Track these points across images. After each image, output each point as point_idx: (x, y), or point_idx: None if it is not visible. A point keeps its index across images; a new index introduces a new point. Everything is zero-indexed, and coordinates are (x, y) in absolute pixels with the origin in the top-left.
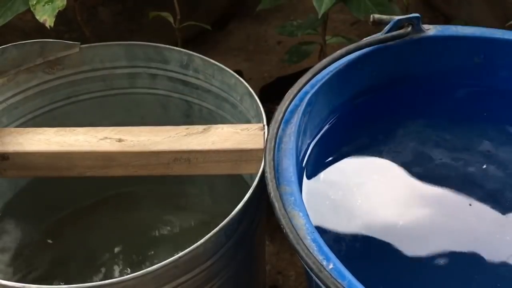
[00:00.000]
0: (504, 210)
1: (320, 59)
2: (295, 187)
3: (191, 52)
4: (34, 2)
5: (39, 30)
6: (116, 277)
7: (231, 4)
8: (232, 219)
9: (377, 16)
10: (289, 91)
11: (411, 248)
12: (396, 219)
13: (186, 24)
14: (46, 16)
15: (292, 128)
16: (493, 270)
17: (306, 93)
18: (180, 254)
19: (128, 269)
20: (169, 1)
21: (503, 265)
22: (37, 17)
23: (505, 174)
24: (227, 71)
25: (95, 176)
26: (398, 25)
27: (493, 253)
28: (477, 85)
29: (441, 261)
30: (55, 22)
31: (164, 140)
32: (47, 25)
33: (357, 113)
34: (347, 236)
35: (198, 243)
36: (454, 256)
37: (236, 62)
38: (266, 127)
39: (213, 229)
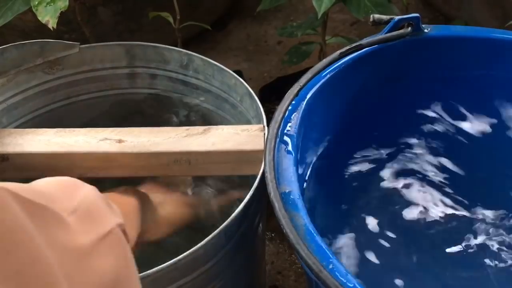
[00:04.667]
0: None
1: (320, 59)
2: (295, 187)
3: (190, 53)
4: (36, 3)
5: (39, 30)
6: None
7: (231, 4)
8: (232, 220)
9: (377, 16)
10: (289, 91)
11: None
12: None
13: (186, 24)
14: (48, 17)
15: (292, 128)
16: None
17: (306, 93)
18: (180, 256)
19: None
20: (169, 1)
21: None
22: (39, 18)
23: (502, 177)
24: (227, 71)
25: (95, 177)
26: (398, 25)
27: None
28: (477, 85)
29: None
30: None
31: (164, 141)
32: (50, 26)
33: (356, 113)
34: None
35: (199, 245)
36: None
37: (236, 62)
38: (266, 128)
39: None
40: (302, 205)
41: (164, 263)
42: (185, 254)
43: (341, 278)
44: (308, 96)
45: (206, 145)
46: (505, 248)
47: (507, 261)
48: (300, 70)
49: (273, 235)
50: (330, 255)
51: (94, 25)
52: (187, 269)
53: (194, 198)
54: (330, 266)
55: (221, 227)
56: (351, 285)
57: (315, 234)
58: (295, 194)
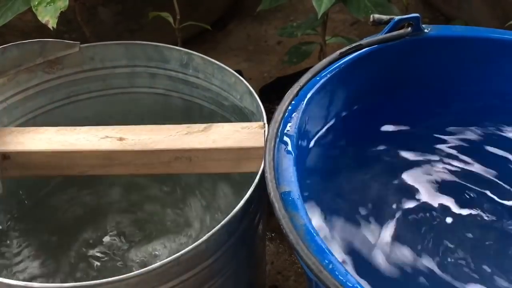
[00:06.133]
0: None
1: (320, 59)
2: (295, 187)
3: (190, 51)
4: (36, 3)
5: (39, 30)
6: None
7: (231, 4)
8: (234, 216)
9: (377, 16)
10: (289, 91)
11: None
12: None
13: (186, 24)
14: (48, 17)
15: (292, 128)
16: None
17: (306, 93)
18: (183, 251)
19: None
20: (169, 1)
21: None
22: (39, 18)
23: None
24: (227, 70)
25: (96, 175)
26: (398, 25)
27: None
28: (477, 86)
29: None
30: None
31: (165, 139)
32: (50, 26)
33: (356, 113)
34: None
35: (200, 240)
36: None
37: (236, 62)
38: (266, 125)
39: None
40: (302, 205)
41: None
42: (188, 249)
43: (341, 278)
44: (308, 96)
45: (207, 143)
46: None
47: None
48: (300, 70)
49: (273, 235)
50: (330, 255)
51: (94, 25)
52: (190, 264)
53: None
54: (330, 266)
55: (222, 222)
56: (351, 285)
57: (315, 234)
58: (295, 194)
